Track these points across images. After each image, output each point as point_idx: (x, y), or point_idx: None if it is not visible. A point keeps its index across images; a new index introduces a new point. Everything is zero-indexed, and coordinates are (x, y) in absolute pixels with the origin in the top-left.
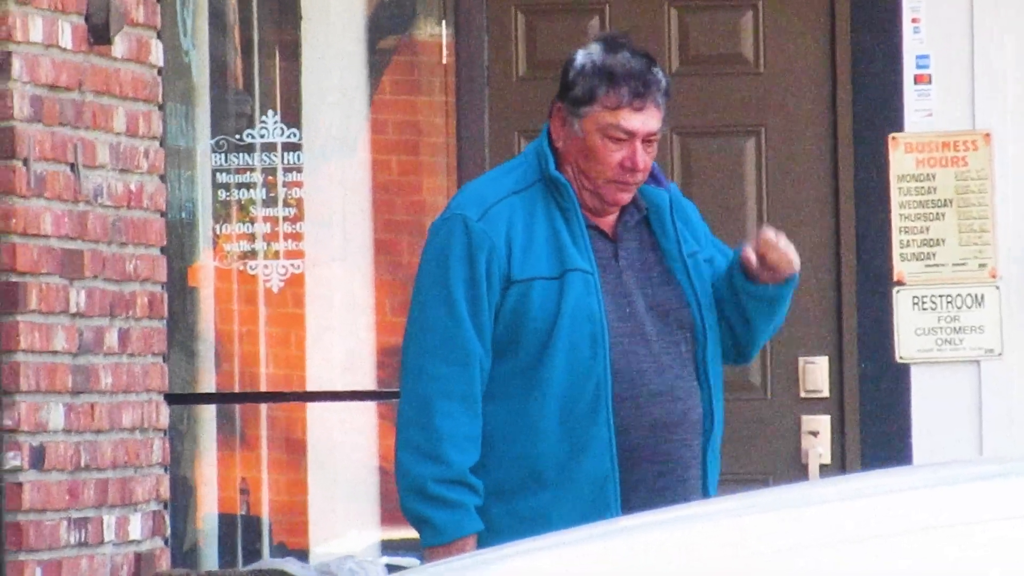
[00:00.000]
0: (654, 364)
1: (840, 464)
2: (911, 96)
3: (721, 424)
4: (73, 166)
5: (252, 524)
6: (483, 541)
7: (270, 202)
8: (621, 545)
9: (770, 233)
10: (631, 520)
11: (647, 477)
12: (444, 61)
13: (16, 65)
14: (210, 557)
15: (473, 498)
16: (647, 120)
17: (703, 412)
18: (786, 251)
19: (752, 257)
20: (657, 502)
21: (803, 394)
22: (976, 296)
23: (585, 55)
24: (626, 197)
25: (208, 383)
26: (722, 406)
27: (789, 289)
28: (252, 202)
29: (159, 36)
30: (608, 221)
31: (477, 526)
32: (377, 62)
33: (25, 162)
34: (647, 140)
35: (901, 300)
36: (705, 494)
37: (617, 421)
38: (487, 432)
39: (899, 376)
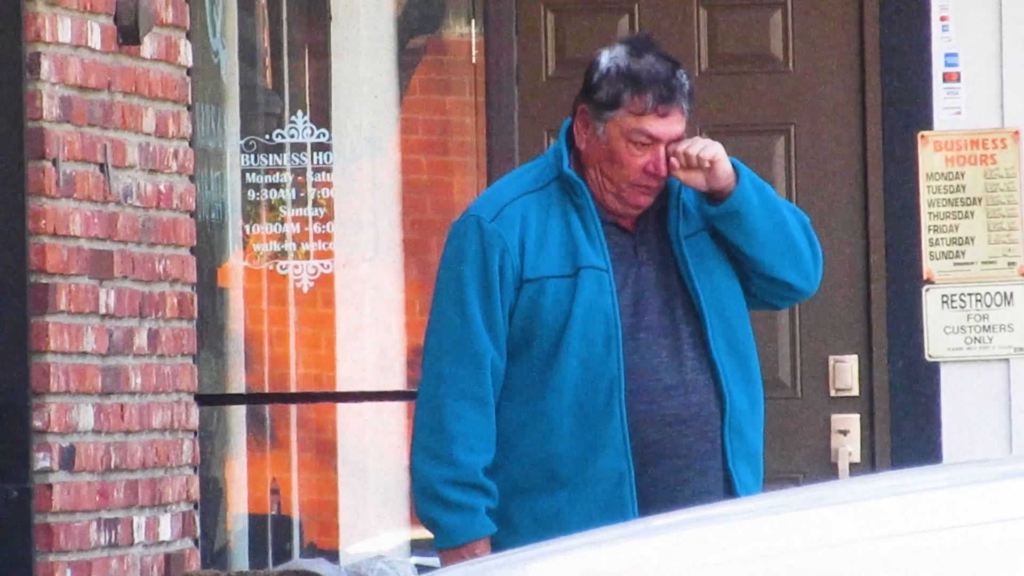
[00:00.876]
0: (670, 359)
1: (870, 462)
2: (940, 94)
3: (748, 406)
4: (102, 167)
5: (282, 524)
6: (502, 540)
7: (300, 202)
8: (643, 546)
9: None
10: (652, 521)
11: (665, 473)
12: (473, 60)
13: (45, 66)
14: (240, 557)
15: (484, 500)
16: (671, 125)
17: (721, 400)
18: (688, 148)
19: (676, 175)
20: (676, 498)
21: (833, 393)
22: (1005, 294)
23: (610, 58)
24: (647, 200)
25: (238, 383)
26: (752, 389)
27: (742, 196)
28: (282, 202)
29: (188, 36)
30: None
31: (488, 529)
32: (406, 62)
33: (54, 163)
34: (670, 144)
35: (930, 298)
36: (729, 484)
37: (631, 418)
38: (504, 431)
39: (929, 374)
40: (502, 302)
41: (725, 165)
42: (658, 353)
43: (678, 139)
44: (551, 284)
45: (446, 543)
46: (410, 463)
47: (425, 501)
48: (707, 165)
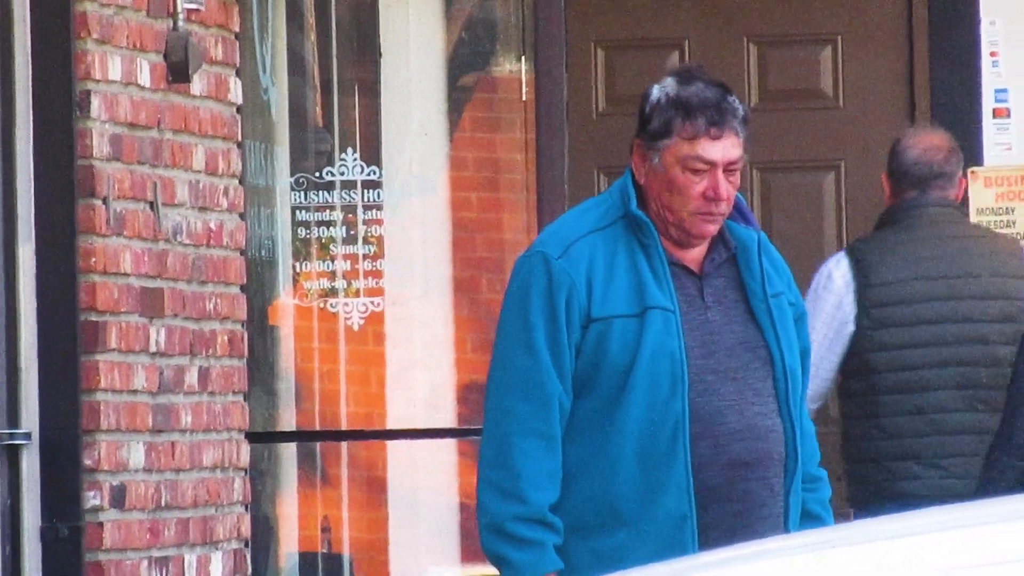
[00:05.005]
0: (735, 402)
1: None
2: (990, 130)
3: (802, 463)
4: (152, 204)
5: (333, 562)
6: None
7: (350, 240)
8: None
9: None
10: (712, 556)
11: (724, 517)
12: (523, 98)
13: (95, 104)
14: None
15: (552, 536)
16: (726, 149)
17: (786, 450)
18: None
19: None
20: (734, 541)
21: None
22: None
23: (659, 89)
24: (712, 228)
25: (288, 421)
26: (810, 444)
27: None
28: (332, 240)
29: (238, 74)
30: (694, 258)
31: (556, 565)
32: (456, 99)
33: (104, 200)
34: (728, 169)
35: None
36: (785, 532)
37: (694, 460)
38: (566, 469)
39: None
40: (568, 340)
41: None
42: (724, 396)
43: (734, 163)
44: (618, 323)
45: None
46: (477, 499)
47: (493, 537)
48: None
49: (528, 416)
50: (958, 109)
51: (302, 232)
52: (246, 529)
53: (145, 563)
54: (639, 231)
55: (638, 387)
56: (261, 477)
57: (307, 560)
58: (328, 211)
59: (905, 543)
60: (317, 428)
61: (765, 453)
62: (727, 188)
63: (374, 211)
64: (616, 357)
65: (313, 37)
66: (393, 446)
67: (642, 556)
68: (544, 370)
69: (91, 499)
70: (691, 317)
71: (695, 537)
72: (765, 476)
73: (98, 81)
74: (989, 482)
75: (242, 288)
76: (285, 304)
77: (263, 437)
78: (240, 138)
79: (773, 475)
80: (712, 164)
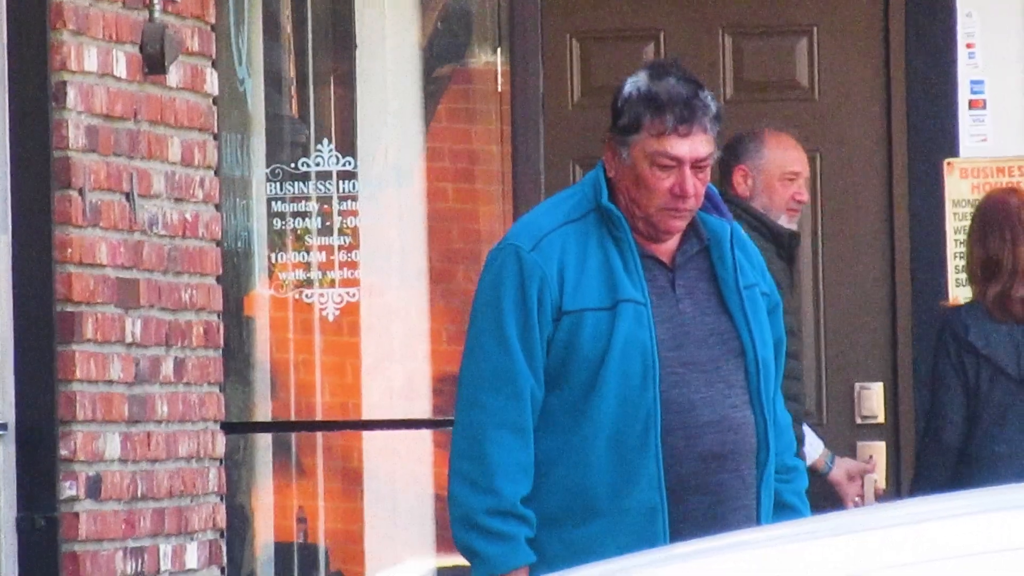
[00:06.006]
0: (706, 394)
1: (896, 490)
2: (966, 121)
3: (774, 455)
4: (128, 196)
5: (309, 552)
6: (535, 570)
7: (325, 231)
8: (678, 571)
9: None
10: (686, 547)
11: (697, 509)
12: (499, 89)
13: (71, 95)
14: None
15: (524, 529)
16: (695, 146)
17: (758, 442)
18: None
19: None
20: (707, 533)
21: (859, 420)
22: None
23: (632, 83)
24: (679, 224)
25: (264, 412)
26: (785, 435)
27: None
28: (307, 231)
29: (214, 65)
30: (666, 250)
31: (528, 558)
32: (432, 90)
33: (80, 192)
34: (697, 166)
35: None
36: (758, 524)
37: (666, 452)
38: (538, 461)
39: None
40: (540, 333)
41: None
42: (696, 389)
43: (703, 160)
44: (590, 316)
45: (485, 572)
46: (448, 491)
47: (464, 530)
48: None
49: (500, 408)
50: (934, 100)
51: (277, 223)
52: (221, 519)
53: (120, 553)
54: (610, 224)
55: (610, 380)
56: (237, 467)
57: (283, 550)
58: (304, 202)
59: (879, 535)
60: (293, 418)
61: (737, 445)
62: (694, 185)
63: (349, 202)
64: (588, 350)
65: (289, 28)
66: (369, 436)
67: (615, 548)
68: (516, 363)
69: (67, 489)
70: (662, 309)
71: (667, 529)
72: (737, 468)
73: (74, 72)
74: (922, 483)
75: (218, 279)
76: (261, 295)
77: (239, 427)
78: (216, 129)
79: (745, 467)
80: (680, 161)
